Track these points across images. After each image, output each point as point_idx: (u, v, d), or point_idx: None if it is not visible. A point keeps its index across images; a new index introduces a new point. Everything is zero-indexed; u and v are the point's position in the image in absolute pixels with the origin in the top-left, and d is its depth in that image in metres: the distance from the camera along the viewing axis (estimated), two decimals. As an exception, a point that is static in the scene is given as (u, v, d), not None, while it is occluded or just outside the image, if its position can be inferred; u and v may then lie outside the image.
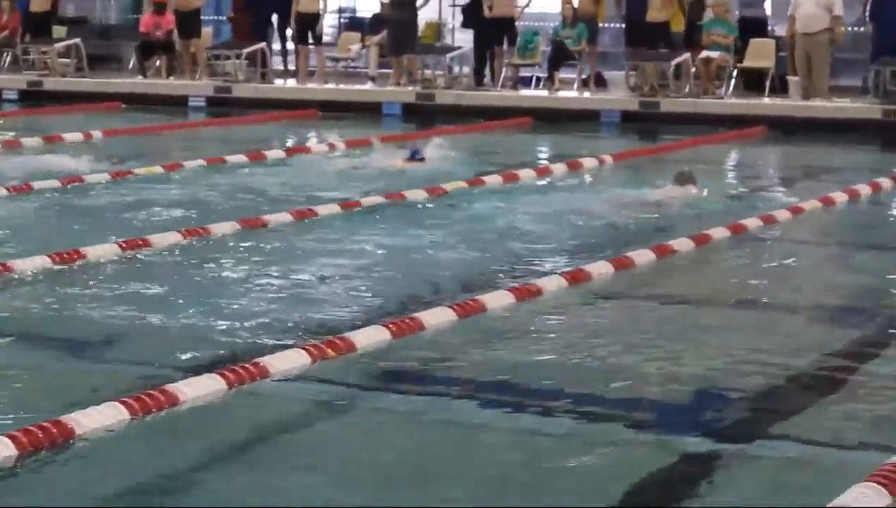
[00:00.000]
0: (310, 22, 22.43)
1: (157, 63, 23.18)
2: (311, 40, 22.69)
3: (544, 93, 21.38)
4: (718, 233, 9.87)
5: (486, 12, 21.49)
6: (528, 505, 4.63)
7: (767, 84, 20.60)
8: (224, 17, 26.42)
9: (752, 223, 10.37)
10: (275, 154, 14.89)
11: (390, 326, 6.69)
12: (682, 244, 9.37)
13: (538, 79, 22.15)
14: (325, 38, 23.92)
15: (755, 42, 21.17)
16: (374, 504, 4.63)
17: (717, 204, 11.76)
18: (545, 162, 14.42)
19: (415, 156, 13.73)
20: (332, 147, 15.90)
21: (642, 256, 8.87)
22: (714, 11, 20.77)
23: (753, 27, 21.78)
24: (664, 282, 8.68)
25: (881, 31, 20.68)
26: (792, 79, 20.10)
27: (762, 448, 5.27)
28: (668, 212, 11.26)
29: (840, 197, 11.95)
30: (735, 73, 20.63)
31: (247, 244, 9.34)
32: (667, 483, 4.88)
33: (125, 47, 24.79)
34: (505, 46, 21.86)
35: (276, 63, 24.10)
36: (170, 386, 5.54)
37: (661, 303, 8.10)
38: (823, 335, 7.26)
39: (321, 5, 22.51)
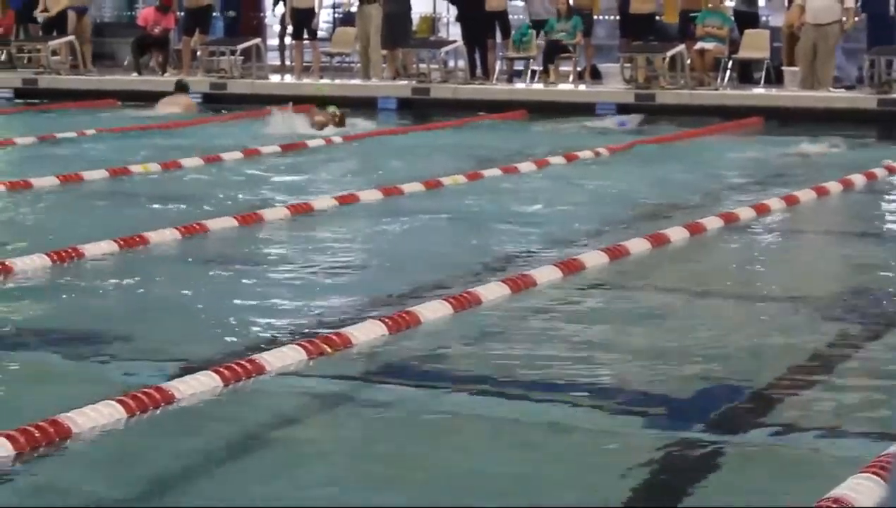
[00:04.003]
0: (305, 17, 22.45)
1: (152, 62, 23.19)
2: (306, 36, 22.71)
3: (540, 86, 21.38)
4: (712, 222, 9.86)
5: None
6: (527, 498, 4.64)
7: (763, 75, 20.60)
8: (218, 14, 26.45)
9: (745, 213, 10.37)
10: (271, 149, 14.90)
11: (386, 321, 6.70)
12: (677, 233, 9.36)
13: (533, 72, 22.15)
14: (320, 34, 23.93)
15: (750, 33, 21.18)
16: (372, 499, 4.63)
17: (711, 194, 11.76)
18: (542, 154, 14.39)
19: (623, 125, 16.55)
20: (329, 142, 15.92)
21: (637, 246, 8.86)
22: (709, 2, 20.81)
23: (746, 20, 21.77)
24: (657, 272, 8.68)
25: (874, 21, 20.70)
26: (787, 69, 20.09)
27: (758, 438, 5.27)
28: (655, 200, 11.30)
29: (835, 186, 11.95)
30: (731, 64, 20.64)
31: (243, 239, 9.36)
32: (663, 474, 4.88)
33: (119, 45, 24.80)
34: (499, 39, 21.87)
35: (274, 58, 24.13)
36: (165, 384, 5.54)
37: (655, 292, 8.10)
38: (818, 324, 7.26)
39: (316, 1, 22.53)
